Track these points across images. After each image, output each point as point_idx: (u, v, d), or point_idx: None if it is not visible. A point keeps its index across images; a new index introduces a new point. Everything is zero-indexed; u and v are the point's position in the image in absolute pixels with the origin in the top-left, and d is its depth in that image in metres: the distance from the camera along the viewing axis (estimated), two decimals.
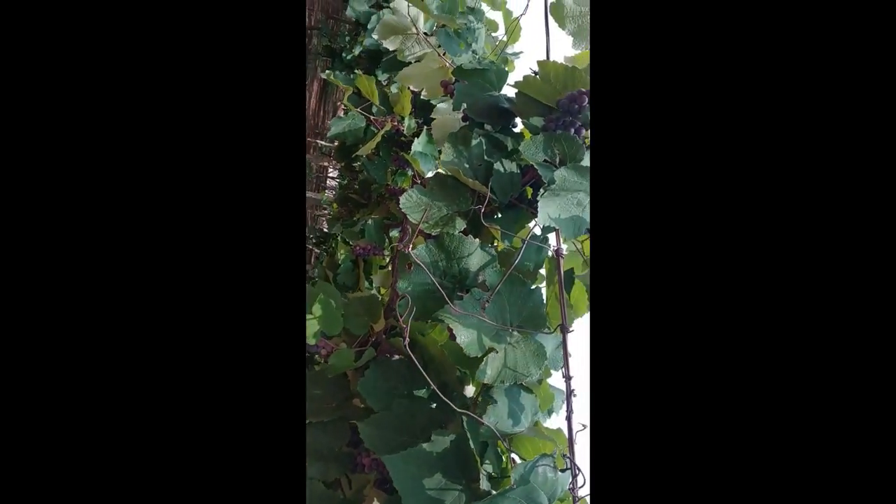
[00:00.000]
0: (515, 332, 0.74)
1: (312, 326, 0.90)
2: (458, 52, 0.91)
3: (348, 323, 0.91)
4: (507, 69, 0.94)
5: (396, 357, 0.95)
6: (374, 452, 0.79)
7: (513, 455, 0.86)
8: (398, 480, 0.67)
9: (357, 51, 2.18)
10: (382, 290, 1.87)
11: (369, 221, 1.85)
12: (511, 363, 0.71)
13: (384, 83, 1.78)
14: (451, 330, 0.82)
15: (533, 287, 0.75)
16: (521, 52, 1.95)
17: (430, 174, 1.57)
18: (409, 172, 1.80)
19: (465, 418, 0.72)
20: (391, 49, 1.02)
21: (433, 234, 0.74)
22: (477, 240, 0.73)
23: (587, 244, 0.98)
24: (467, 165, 0.77)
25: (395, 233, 1.91)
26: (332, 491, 0.84)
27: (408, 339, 0.65)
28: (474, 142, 0.78)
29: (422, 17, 1.00)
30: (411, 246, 0.71)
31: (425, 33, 1.00)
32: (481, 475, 0.71)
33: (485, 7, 1.84)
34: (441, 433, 0.73)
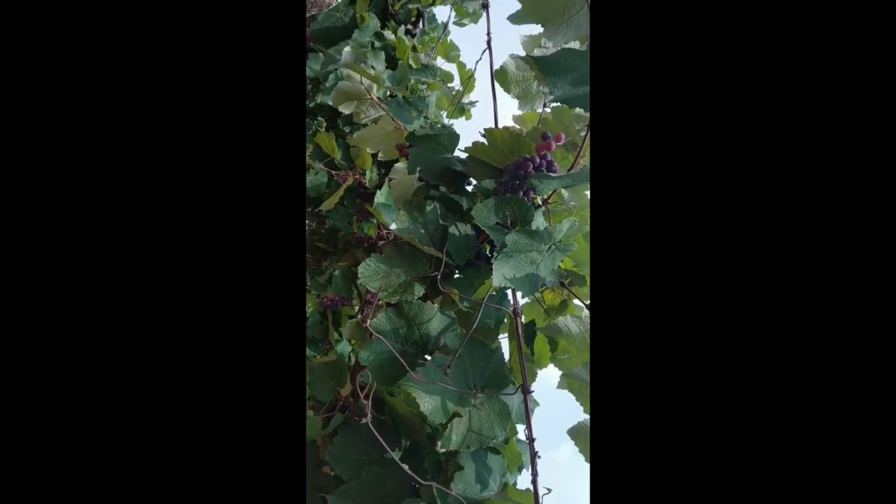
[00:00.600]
0: (479, 395, 0.75)
1: None
2: (410, 119, 0.94)
3: (314, 390, 0.91)
4: (457, 135, 0.98)
5: (364, 420, 0.94)
6: None
7: None
8: None
9: (319, 99, 2.22)
10: (353, 342, 1.85)
11: (336, 272, 1.85)
12: (476, 426, 0.72)
13: (346, 131, 1.81)
14: None
15: (493, 348, 0.76)
16: (476, 101, 2.02)
17: (393, 225, 1.60)
18: (374, 220, 1.82)
19: (434, 489, 0.72)
20: (346, 113, 1.05)
21: (392, 301, 0.75)
22: (436, 305, 0.75)
23: (547, 294, 1.01)
24: (423, 231, 0.79)
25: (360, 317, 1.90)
26: None
27: (370, 415, 0.65)
28: (428, 207, 0.80)
29: (375, 86, 1.04)
30: (370, 317, 0.72)
31: (378, 99, 1.04)
32: None
33: (439, 60, 1.92)
34: (411, 502, 0.72)
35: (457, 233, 0.80)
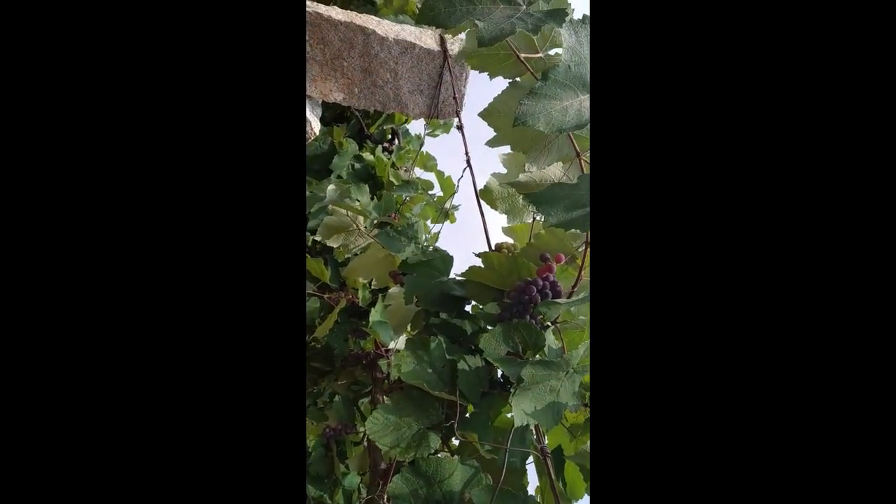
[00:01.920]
0: None
1: None
2: (400, 248, 0.93)
3: None
4: (451, 257, 0.97)
5: None
6: None
7: None
8: None
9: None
10: (360, 473, 1.71)
11: (336, 398, 1.75)
12: None
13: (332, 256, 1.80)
14: None
15: (525, 496, 0.68)
16: (459, 205, 2.06)
17: (391, 343, 1.54)
18: (370, 338, 1.76)
19: None
20: (334, 247, 1.03)
21: (406, 459, 0.68)
22: (455, 457, 0.68)
23: (569, 414, 0.94)
24: (430, 370, 0.74)
25: (364, 401, 1.80)
26: None
27: None
28: (433, 344, 0.76)
29: (361, 218, 1.03)
30: (387, 485, 0.64)
31: (366, 228, 1.03)
32: None
33: (418, 170, 1.98)
34: None
35: (467, 367, 0.75)
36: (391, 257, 1.02)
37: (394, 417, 0.70)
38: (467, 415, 0.76)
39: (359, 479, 1.70)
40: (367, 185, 1.18)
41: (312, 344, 2.00)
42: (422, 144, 1.93)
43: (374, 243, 1.05)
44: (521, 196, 0.81)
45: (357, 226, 1.02)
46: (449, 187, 1.92)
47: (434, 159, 2.02)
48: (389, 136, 1.93)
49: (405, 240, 0.91)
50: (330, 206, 1.01)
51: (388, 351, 1.58)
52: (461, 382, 0.73)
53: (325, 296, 1.61)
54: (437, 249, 0.94)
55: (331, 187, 1.00)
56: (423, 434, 0.70)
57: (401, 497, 0.65)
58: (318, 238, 1.00)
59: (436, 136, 2.19)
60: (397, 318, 1.01)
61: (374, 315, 1.55)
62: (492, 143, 0.87)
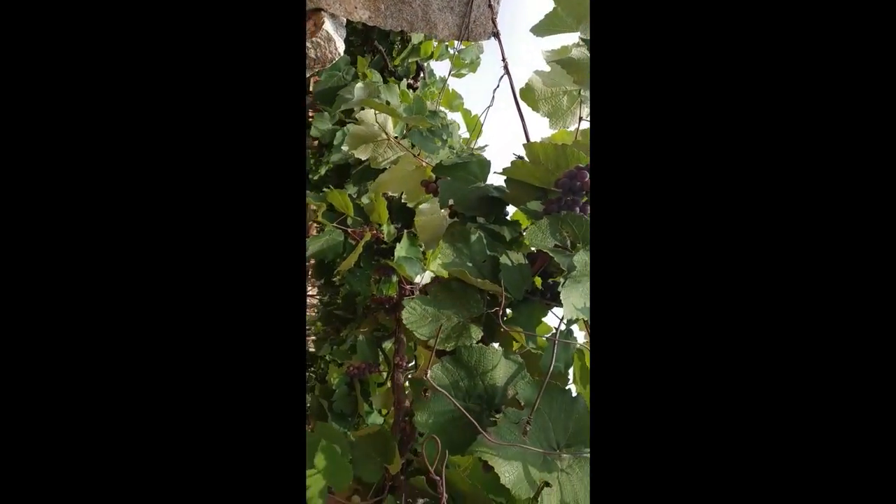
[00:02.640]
0: (565, 455, 0.61)
1: (318, 482, 0.74)
2: (434, 148, 0.86)
3: (359, 470, 0.76)
4: (488, 161, 0.90)
5: (421, 501, 0.78)
6: None
7: None
8: None
9: (323, 170, 2.19)
10: (384, 412, 1.69)
11: (360, 337, 1.73)
12: (570, 496, 0.57)
13: (354, 196, 1.75)
14: (485, 463, 0.68)
15: (575, 396, 0.63)
16: (486, 146, 1.98)
17: (417, 278, 1.49)
18: (394, 279, 1.71)
19: None
20: (363, 158, 0.97)
21: (447, 349, 0.62)
22: (500, 348, 0.62)
23: None
24: (470, 264, 0.68)
25: (388, 344, 1.77)
26: None
27: (444, 491, 0.51)
28: (473, 237, 0.70)
29: (390, 122, 0.97)
30: (428, 371, 0.59)
31: (396, 137, 0.97)
32: None
33: (443, 108, 1.89)
34: None
35: (509, 262, 0.69)
36: (422, 169, 0.96)
37: (432, 309, 0.65)
38: (509, 311, 0.71)
39: (381, 419, 1.68)
40: (396, 86, 1.11)
41: (336, 285, 1.97)
42: (446, 83, 1.84)
43: (404, 155, 0.98)
44: (568, 65, 0.72)
45: (386, 135, 0.96)
46: (475, 127, 1.83)
47: (461, 97, 1.94)
48: (413, 73, 1.84)
49: (439, 141, 0.84)
50: (357, 114, 0.94)
51: (413, 290, 1.53)
52: (504, 276, 0.67)
53: (349, 229, 1.56)
54: (473, 153, 0.88)
55: (359, 85, 0.94)
56: (464, 325, 0.64)
57: (442, 388, 0.61)
58: (345, 148, 0.94)
59: (462, 75, 2.10)
60: (429, 232, 0.95)
61: (400, 250, 1.50)
62: (539, 29, 0.79)
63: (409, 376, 0.99)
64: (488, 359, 0.61)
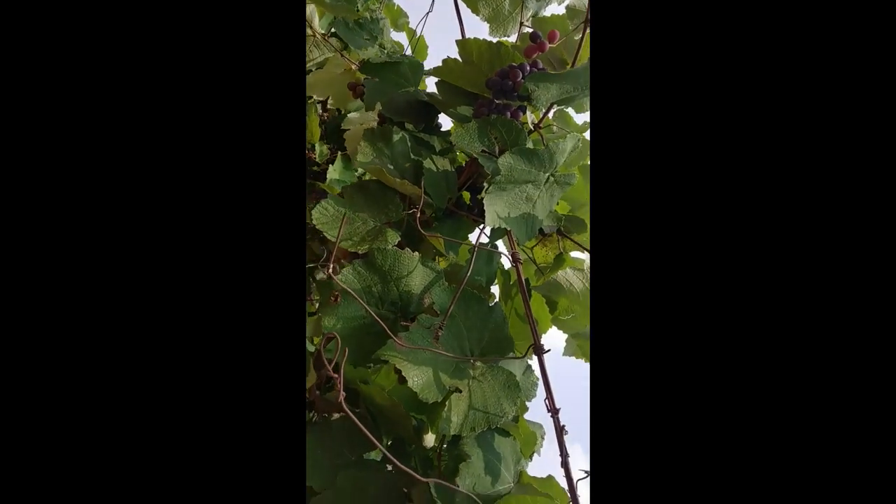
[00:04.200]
0: (478, 364, 0.60)
1: None
2: (361, 43, 0.78)
3: None
4: (420, 63, 0.83)
5: (336, 416, 0.77)
6: None
7: None
8: None
9: None
10: (316, 341, 1.66)
11: None
12: (479, 403, 0.56)
13: None
14: (399, 372, 0.66)
15: (492, 304, 0.61)
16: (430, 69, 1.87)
17: None
18: None
19: (432, 487, 0.56)
20: None
21: (360, 251, 0.58)
22: (417, 253, 0.59)
23: (538, 250, 0.87)
24: (391, 166, 0.63)
25: (321, 275, 1.72)
26: None
27: (342, 393, 0.48)
28: (396, 137, 0.64)
29: (316, 16, 0.87)
30: (331, 270, 0.55)
31: (323, 35, 0.87)
32: None
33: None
34: None
35: (434, 167, 0.65)
36: (352, 72, 0.88)
37: (346, 211, 0.60)
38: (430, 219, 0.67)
39: (313, 347, 1.66)
40: None
41: None
42: None
43: (332, 56, 0.89)
44: None
45: (313, 31, 0.86)
46: (420, 49, 1.72)
47: (406, 16, 1.80)
48: None
49: (367, 36, 0.76)
50: None
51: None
52: (427, 181, 0.63)
53: None
54: (404, 55, 0.80)
55: None
56: (380, 230, 0.60)
57: (350, 293, 0.57)
58: None
59: None
60: (356, 143, 0.88)
61: (333, 172, 1.41)
62: None
63: (317, 278, 0.95)
64: (404, 264, 0.57)
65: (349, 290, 0.54)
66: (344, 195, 0.61)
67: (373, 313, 0.54)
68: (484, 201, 0.59)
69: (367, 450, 0.71)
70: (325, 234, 0.57)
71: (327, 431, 0.71)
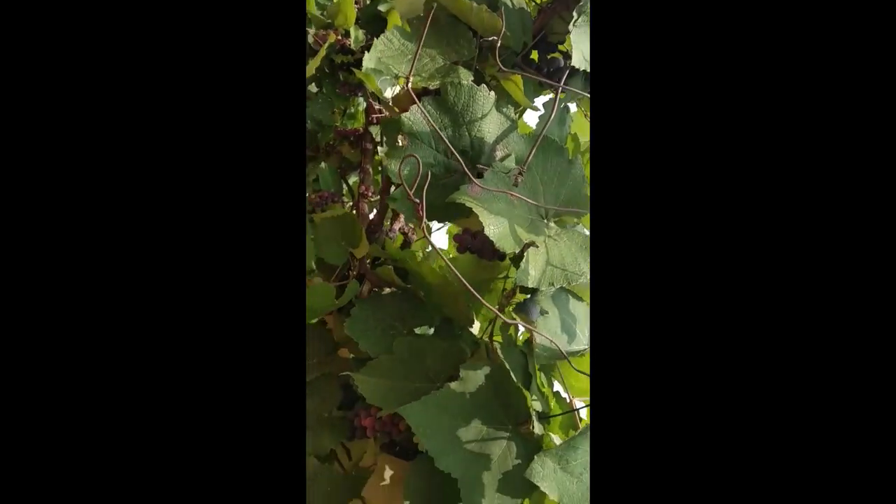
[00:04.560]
0: (552, 223, 0.55)
1: None
2: None
3: (322, 251, 0.69)
4: None
5: (388, 290, 0.74)
6: (377, 409, 0.59)
7: (555, 389, 0.68)
8: (425, 435, 0.47)
9: None
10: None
11: (322, 165, 1.60)
12: (556, 260, 0.52)
13: None
14: (459, 239, 0.62)
15: (572, 158, 0.55)
16: None
17: (387, 92, 1.34)
18: (361, 107, 1.55)
19: (499, 346, 0.53)
20: None
21: (430, 87, 0.52)
22: (492, 93, 0.52)
23: None
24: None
25: (353, 177, 1.67)
26: (327, 465, 0.63)
27: (424, 223, 0.44)
28: None
29: None
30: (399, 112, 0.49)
31: None
32: (532, 415, 0.52)
33: None
34: (471, 366, 0.53)
35: (510, 3, 0.56)
36: None
37: (412, 45, 0.53)
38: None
39: None
40: None
41: None
42: None
43: None
44: None
45: None
46: None
47: None
48: None
49: None
50: None
51: (381, 111, 1.39)
52: (505, 14, 0.55)
53: (310, 33, 1.35)
54: None
55: None
56: (451, 67, 0.53)
57: (419, 135, 0.51)
58: None
59: None
60: (408, 7, 0.79)
61: (369, 61, 1.32)
62: None
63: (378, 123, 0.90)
64: (479, 103, 0.51)
65: (414, 135, 0.49)
66: (410, 27, 0.54)
67: (451, 149, 0.48)
68: (571, 37, 0.51)
69: (418, 324, 0.69)
70: (391, 66, 0.51)
71: (381, 303, 0.68)
